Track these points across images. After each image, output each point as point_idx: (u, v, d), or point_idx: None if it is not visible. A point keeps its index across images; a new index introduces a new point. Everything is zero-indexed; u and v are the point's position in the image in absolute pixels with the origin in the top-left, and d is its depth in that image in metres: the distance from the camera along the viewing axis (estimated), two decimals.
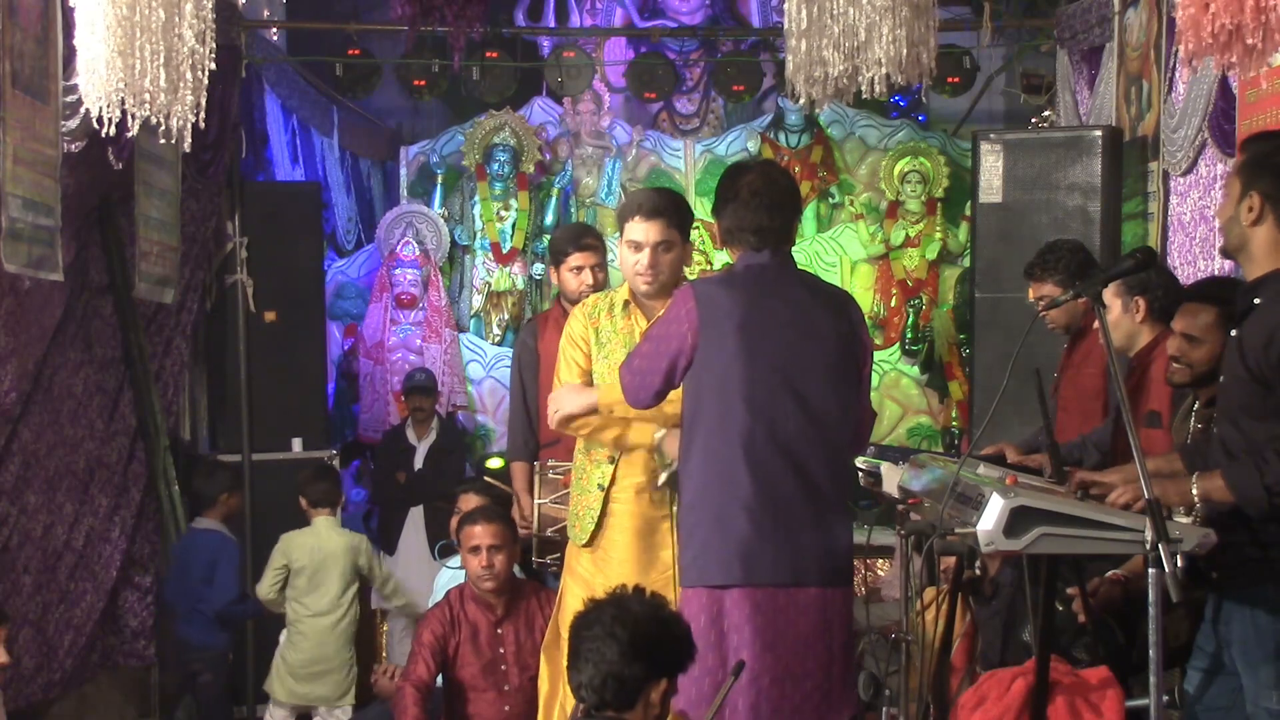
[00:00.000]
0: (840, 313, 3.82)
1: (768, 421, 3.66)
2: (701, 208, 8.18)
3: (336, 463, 6.91)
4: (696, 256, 7.96)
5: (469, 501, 5.53)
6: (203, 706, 5.95)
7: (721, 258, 8.27)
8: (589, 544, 4.17)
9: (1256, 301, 3.21)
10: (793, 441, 3.67)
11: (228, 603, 5.95)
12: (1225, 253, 3.46)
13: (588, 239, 5.34)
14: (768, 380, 3.67)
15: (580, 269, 5.29)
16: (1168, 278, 4.70)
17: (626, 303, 4.21)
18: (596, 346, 4.21)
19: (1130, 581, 4.10)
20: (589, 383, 4.18)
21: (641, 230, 4.06)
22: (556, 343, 5.44)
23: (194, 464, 6.61)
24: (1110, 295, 4.41)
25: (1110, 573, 4.18)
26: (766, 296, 3.72)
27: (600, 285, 5.29)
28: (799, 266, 3.99)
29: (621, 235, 4.14)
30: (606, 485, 4.13)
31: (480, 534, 4.89)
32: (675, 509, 4.04)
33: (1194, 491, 3.17)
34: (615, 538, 4.14)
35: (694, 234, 5.73)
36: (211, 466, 6.37)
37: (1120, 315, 4.47)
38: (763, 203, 3.75)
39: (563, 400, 4.14)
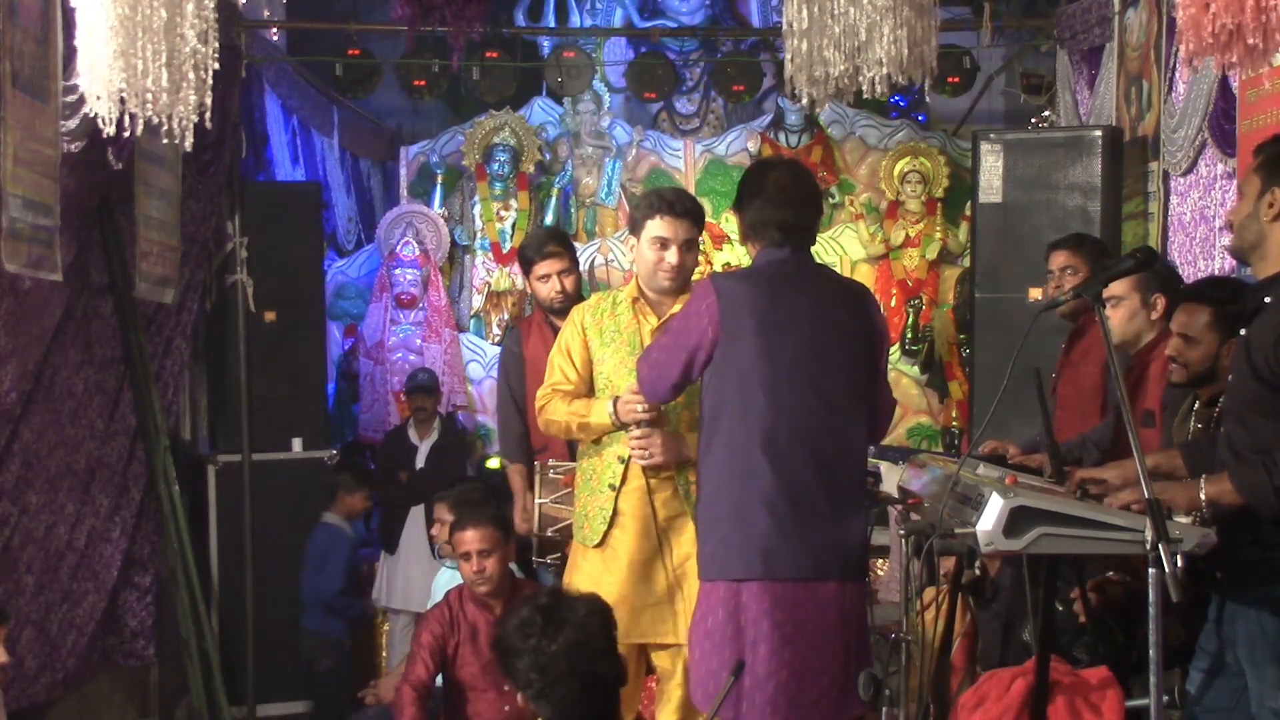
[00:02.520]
0: (858, 307, 3.84)
1: (790, 416, 3.67)
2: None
3: (336, 463, 6.90)
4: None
5: (441, 512, 5.53)
6: (321, 690, 6.31)
7: (722, 258, 8.27)
8: (600, 544, 4.16)
9: (1267, 300, 3.21)
10: (814, 436, 3.68)
11: (333, 593, 6.33)
12: (1235, 253, 3.44)
13: (550, 246, 5.35)
14: (790, 376, 3.68)
15: (547, 277, 5.33)
16: (1170, 271, 4.72)
17: (635, 300, 4.22)
18: (600, 346, 4.21)
19: (1130, 582, 4.10)
20: (583, 387, 4.24)
21: (670, 228, 4.10)
22: (540, 347, 5.50)
23: (195, 464, 6.63)
24: (1128, 289, 4.41)
25: (1110, 574, 4.18)
26: (788, 292, 3.73)
27: (571, 290, 5.31)
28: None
29: (641, 232, 4.14)
30: (618, 484, 4.13)
31: (470, 539, 4.89)
32: (689, 508, 4.05)
33: (1202, 496, 3.16)
34: (624, 539, 4.14)
35: None
36: (342, 467, 6.72)
37: (1138, 309, 4.45)
38: (789, 199, 3.77)
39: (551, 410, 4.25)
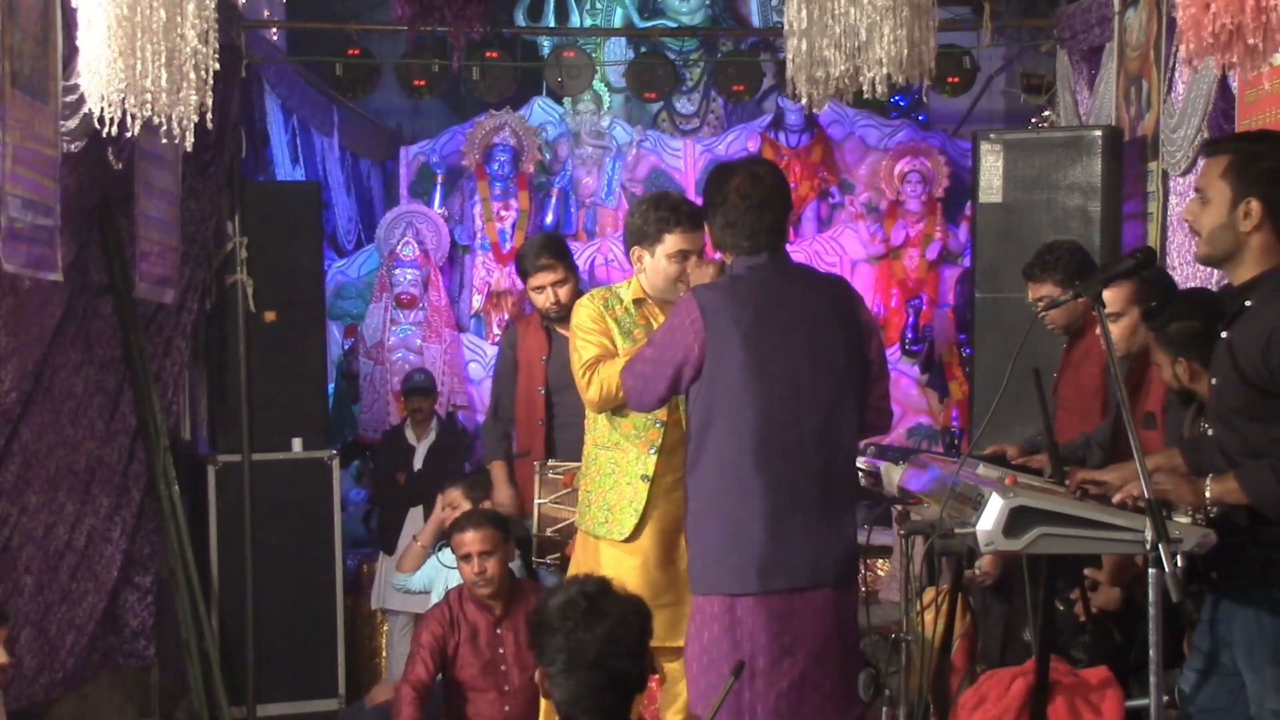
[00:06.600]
0: (842, 305, 3.82)
1: (780, 428, 3.65)
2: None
3: (336, 463, 6.90)
4: None
5: (450, 496, 5.57)
6: None
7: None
8: (630, 538, 4.10)
9: (1247, 304, 3.18)
10: (805, 446, 3.66)
11: None
12: (1206, 260, 3.33)
13: (544, 259, 5.39)
14: (779, 387, 3.66)
15: (541, 288, 5.38)
16: (1164, 278, 4.70)
17: (637, 301, 4.20)
18: (620, 336, 4.18)
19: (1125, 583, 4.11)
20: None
21: (690, 240, 4.10)
22: (535, 349, 5.52)
23: (195, 464, 6.63)
24: (1126, 303, 4.39)
25: (1088, 570, 4.19)
26: (771, 301, 3.71)
27: (566, 300, 5.32)
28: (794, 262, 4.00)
29: (656, 245, 4.11)
30: (651, 475, 4.09)
31: (470, 540, 4.90)
32: None
33: (1207, 494, 3.14)
34: (644, 536, 4.11)
35: None
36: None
37: (1138, 322, 4.39)
38: (751, 205, 3.73)
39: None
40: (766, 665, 3.62)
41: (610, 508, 4.15)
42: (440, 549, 5.81)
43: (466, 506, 5.54)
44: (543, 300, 5.41)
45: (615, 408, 4.13)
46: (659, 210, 4.12)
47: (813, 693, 3.66)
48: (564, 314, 5.30)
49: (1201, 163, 3.32)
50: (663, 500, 4.08)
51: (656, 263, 4.13)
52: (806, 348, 3.69)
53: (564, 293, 5.36)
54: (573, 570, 4.38)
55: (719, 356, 3.67)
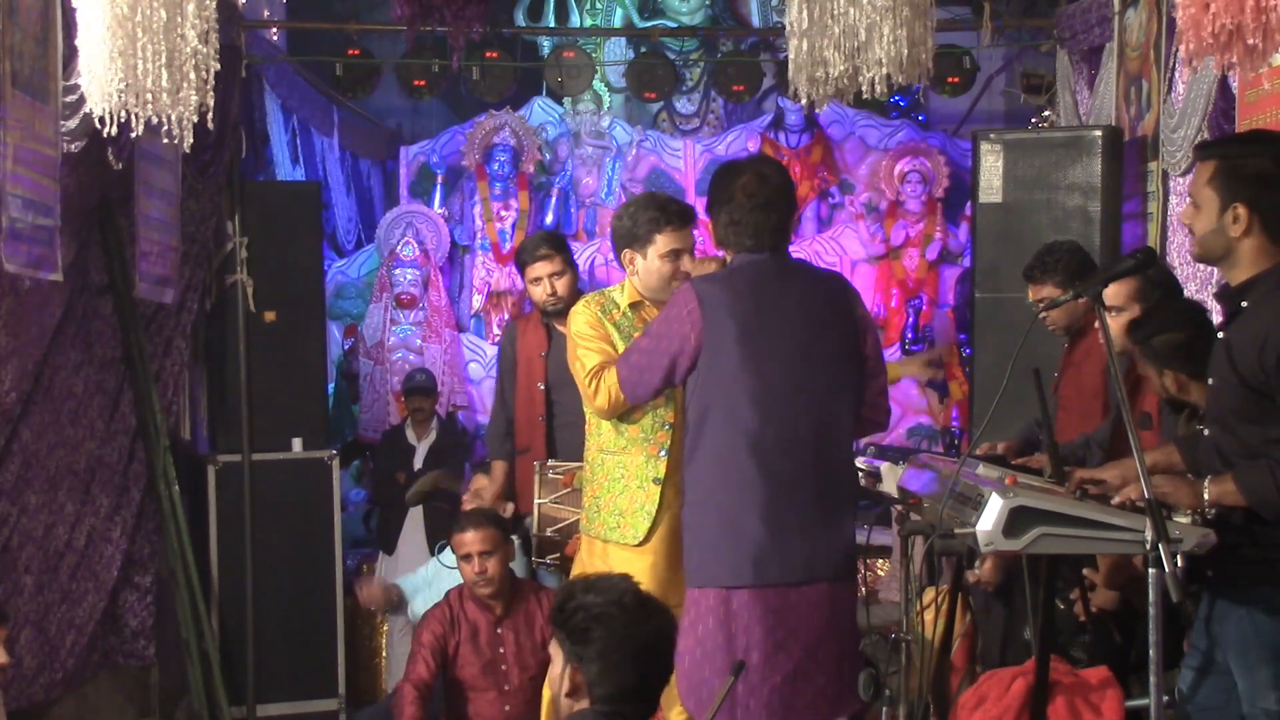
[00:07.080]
0: (839, 300, 3.83)
1: (778, 422, 3.66)
2: (703, 208, 8.19)
3: (336, 463, 6.90)
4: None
5: (479, 483, 5.58)
6: None
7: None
8: (644, 542, 4.07)
9: (1244, 305, 3.18)
10: (803, 441, 3.67)
11: None
12: (1201, 260, 3.37)
13: (542, 250, 5.39)
14: (776, 381, 3.67)
15: (539, 280, 5.37)
16: (1168, 278, 4.69)
17: (634, 304, 4.20)
18: (620, 341, 4.16)
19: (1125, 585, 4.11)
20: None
21: (682, 238, 4.11)
22: (534, 346, 5.52)
23: (195, 464, 6.63)
24: (1127, 299, 4.39)
25: (1086, 570, 4.18)
26: (770, 296, 3.72)
27: (563, 293, 5.31)
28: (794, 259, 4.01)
29: (648, 246, 4.11)
30: (663, 478, 4.07)
31: (470, 540, 4.91)
32: None
33: (1205, 496, 3.14)
34: (654, 538, 4.10)
35: None
36: None
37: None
38: (758, 204, 3.75)
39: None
40: (761, 659, 3.62)
41: (622, 513, 4.12)
42: (440, 549, 5.81)
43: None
44: (540, 292, 5.39)
45: (622, 413, 4.11)
46: (648, 210, 4.12)
47: (806, 687, 3.66)
48: (561, 308, 5.29)
49: (1195, 167, 3.34)
50: (674, 502, 4.08)
51: (649, 264, 4.12)
52: (803, 342, 3.70)
53: (561, 285, 5.35)
54: (577, 571, 4.37)
55: (715, 349, 3.67)
